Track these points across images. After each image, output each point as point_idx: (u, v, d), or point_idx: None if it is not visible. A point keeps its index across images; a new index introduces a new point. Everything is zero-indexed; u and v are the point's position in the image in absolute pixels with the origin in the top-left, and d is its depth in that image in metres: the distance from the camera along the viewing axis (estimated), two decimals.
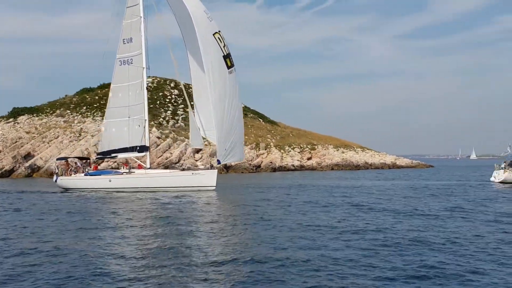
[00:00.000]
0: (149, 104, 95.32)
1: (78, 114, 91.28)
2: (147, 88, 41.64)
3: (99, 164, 49.00)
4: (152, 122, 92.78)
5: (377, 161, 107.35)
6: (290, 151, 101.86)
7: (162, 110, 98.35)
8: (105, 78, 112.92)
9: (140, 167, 42.13)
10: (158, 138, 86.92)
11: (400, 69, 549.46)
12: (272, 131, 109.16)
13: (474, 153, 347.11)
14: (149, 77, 42.13)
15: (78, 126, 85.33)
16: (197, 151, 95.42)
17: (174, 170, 44.59)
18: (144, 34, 41.44)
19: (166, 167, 72.86)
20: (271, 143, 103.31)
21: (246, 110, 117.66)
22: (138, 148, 41.30)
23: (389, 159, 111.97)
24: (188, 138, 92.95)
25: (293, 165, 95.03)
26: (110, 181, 40.22)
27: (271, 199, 33.34)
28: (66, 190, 41.21)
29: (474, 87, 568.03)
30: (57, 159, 47.59)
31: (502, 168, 49.63)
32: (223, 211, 26.97)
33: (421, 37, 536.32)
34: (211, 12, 39.93)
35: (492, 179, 50.38)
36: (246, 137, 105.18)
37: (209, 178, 38.82)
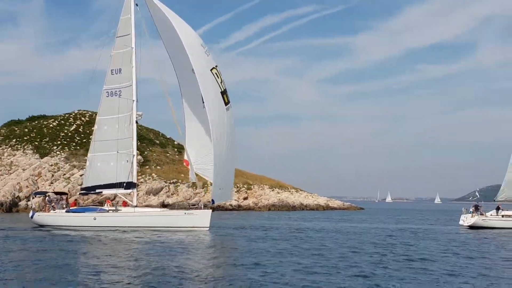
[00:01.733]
0: (81, 138, 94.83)
1: (7, 146, 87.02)
2: (136, 122, 39.78)
3: (76, 201, 46.08)
4: (85, 157, 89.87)
5: (311, 202, 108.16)
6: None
7: None
8: (33, 110, 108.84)
9: (124, 204, 40.05)
10: None
11: (324, 112, 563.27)
12: None
13: (390, 196, 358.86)
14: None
15: (8, 159, 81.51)
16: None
17: (163, 209, 42.57)
18: (135, 65, 39.78)
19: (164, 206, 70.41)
20: (208, 182, 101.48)
21: (180, 148, 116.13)
22: (125, 184, 39.26)
23: (322, 200, 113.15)
24: None
25: (230, 205, 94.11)
26: (95, 219, 37.92)
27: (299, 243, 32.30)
28: (42, 226, 38.57)
29: (389, 132, 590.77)
30: (35, 194, 44.51)
31: (470, 212, 50.82)
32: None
33: (343, 82, 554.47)
34: None
35: (461, 222, 51.43)
36: (182, 175, 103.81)
37: (203, 218, 37.37)
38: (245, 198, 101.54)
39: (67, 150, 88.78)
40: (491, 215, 50.62)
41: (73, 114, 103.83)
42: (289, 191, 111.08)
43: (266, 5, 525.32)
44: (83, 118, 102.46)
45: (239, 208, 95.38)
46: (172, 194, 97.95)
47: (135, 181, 39.50)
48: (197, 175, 40.51)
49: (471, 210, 51.25)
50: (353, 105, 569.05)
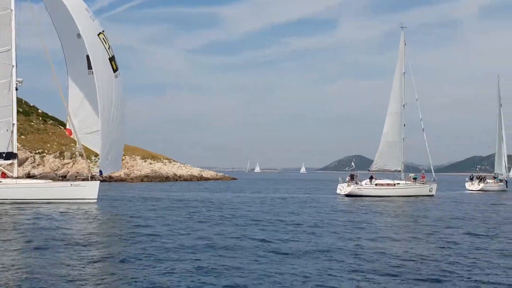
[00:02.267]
0: None
1: None
2: (16, 88, 37.41)
3: None
4: None
5: (185, 173, 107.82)
6: (98, 160, 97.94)
7: None
8: None
9: (3, 176, 37.72)
10: None
11: (193, 83, 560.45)
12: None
13: (258, 167, 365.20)
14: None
15: None
16: None
17: (48, 180, 40.39)
18: (14, 29, 37.26)
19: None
20: (76, 152, 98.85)
21: (45, 116, 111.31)
22: (4, 154, 36.92)
23: (195, 171, 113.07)
24: None
25: (102, 176, 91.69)
26: None
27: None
28: None
29: (257, 104, 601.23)
30: None
31: (346, 182, 52.88)
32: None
33: (211, 53, 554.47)
34: None
35: (338, 191, 53.34)
36: (49, 145, 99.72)
37: (90, 190, 36.11)
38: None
39: None
40: (365, 184, 52.98)
41: None
42: (162, 162, 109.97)
43: None
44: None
45: (110, 179, 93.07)
46: (38, 165, 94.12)
47: (15, 151, 37.27)
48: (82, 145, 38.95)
49: (347, 179, 53.38)
50: (221, 76, 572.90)
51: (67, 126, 39.22)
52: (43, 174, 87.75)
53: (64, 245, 18.32)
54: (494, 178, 76.66)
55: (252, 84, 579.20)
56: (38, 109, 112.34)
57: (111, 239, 20.29)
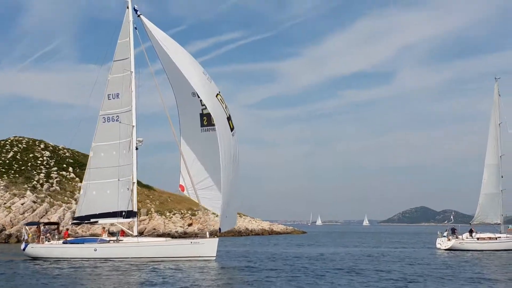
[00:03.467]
0: (20, 165, 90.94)
1: None
2: (136, 148, 38.39)
3: (68, 230, 43.55)
4: (26, 185, 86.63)
5: (256, 227, 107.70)
6: (172, 217, 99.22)
7: (35, 172, 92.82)
8: None
9: (122, 234, 38.41)
10: (34, 202, 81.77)
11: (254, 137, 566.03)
12: (151, 196, 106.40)
13: (320, 219, 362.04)
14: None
15: None
16: None
17: (167, 239, 40.83)
18: (135, 90, 38.52)
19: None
20: (152, 209, 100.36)
21: None
22: (124, 213, 37.67)
23: (265, 225, 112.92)
24: (65, 203, 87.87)
25: (176, 232, 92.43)
26: (95, 250, 36.12)
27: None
28: (35, 259, 36.49)
29: (316, 155, 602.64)
30: (26, 224, 41.86)
31: (444, 236, 52.05)
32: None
33: (271, 107, 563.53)
34: None
35: (438, 246, 52.49)
36: None
37: (210, 248, 36.26)
38: (190, 225, 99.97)
39: (6, 178, 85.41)
40: (467, 237, 51.98)
41: (9, 140, 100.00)
42: None
43: (192, 31, 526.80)
44: (20, 145, 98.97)
45: (185, 235, 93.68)
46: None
47: (135, 209, 37.97)
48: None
49: (445, 233, 52.57)
50: (281, 129, 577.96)
51: (180, 182, 39.60)
52: (153, 231, 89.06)
53: None
54: None
55: (311, 136, 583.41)
56: None
57: None
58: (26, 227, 39.87)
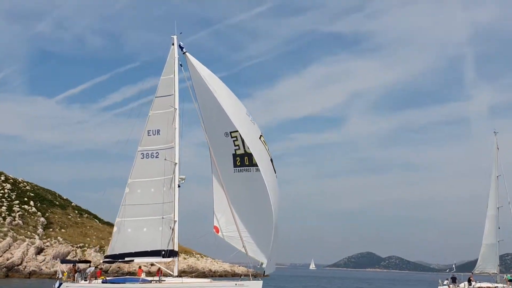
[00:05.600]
0: None
1: None
2: (178, 186, 37.70)
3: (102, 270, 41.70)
4: None
5: (218, 268, 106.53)
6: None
7: None
8: None
9: (158, 273, 37.37)
10: None
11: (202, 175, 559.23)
12: None
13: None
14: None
15: None
16: (39, 251, 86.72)
17: (210, 279, 39.61)
18: (178, 127, 38.03)
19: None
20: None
21: (79, 210, 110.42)
22: (164, 252, 36.70)
23: (226, 266, 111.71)
24: (28, 238, 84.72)
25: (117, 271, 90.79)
26: None
27: None
28: None
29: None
30: (62, 262, 39.95)
31: (445, 285, 53.07)
32: None
33: None
34: None
35: None
36: (88, 239, 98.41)
37: None
38: (152, 264, 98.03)
39: None
40: (464, 287, 53.15)
41: None
42: (195, 257, 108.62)
43: (145, 68, 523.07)
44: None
45: (149, 274, 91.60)
46: (80, 259, 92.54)
47: (176, 248, 37.08)
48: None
49: (445, 282, 53.64)
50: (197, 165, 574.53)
51: (214, 223, 38.96)
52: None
53: None
54: None
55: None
56: (71, 202, 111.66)
57: None
58: (62, 264, 38.18)
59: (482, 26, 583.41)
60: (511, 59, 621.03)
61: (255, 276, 36.67)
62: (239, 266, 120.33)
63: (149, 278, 36.65)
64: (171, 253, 36.95)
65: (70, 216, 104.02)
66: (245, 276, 36.95)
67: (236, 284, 36.18)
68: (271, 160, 37.67)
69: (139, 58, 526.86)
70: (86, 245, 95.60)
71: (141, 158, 38.23)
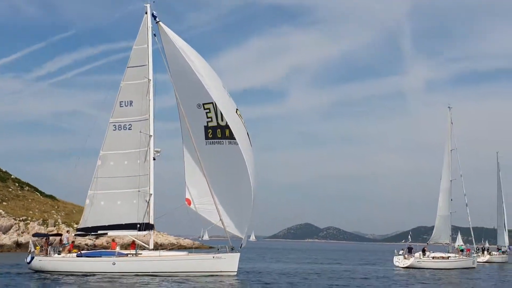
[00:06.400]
0: None
1: None
2: (154, 158, 37.09)
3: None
4: None
5: (164, 241, 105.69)
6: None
7: None
8: None
9: (133, 247, 36.90)
10: None
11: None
12: (56, 207, 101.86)
13: (207, 234, 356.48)
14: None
15: None
16: None
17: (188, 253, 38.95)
18: (152, 98, 37.33)
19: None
20: (59, 220, 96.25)
21: (21, 182, 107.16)
22: (139, 225, 36.17)
23: (172, 239, 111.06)
24: None
25: (86, 244, 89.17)
26: (113, 263, 34.36)
27: None
28: (37, 272, 34.32)
29: None
30: (34, 235, 38.59)
31: (400, 255, 54.38)
32: None
33: (162, 119, 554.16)
34: None
35: (396, 264, 54.54)
36: (31, 212, 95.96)
37: (231, 263, 35.72)
38: (97, 238, 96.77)
39: None
40: (420, 257, 54.66)
41: None
42: None
43: (80, 36, 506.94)
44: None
45: (94, 247, 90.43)
46: (22, 233, 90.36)
47: (152, 222, 36.62)
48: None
49: (401, 252, 54.99)
50: (171, 141, 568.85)
51: (186, 196, 38.59)
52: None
53: None
54: (498, 250, 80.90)
55: None
56: (11, 174, 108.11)
57: None
58: (34, 238, 37.06)
59: (421, 1, 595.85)
60: (449, 35, 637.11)
61: (232, 249, 36.51)
62: (184, 239, 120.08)
63: (125, 252, 36.14)
64: (147, 226, 36.50)
65: (10, 189, 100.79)
66: (222, 248, 36.68)
67: (214, 257, 36.10)
68: (248, 133, 37.52)
69: (74, 27, 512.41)
70: (29, 218, 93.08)
71: (113, 130, 37.32)
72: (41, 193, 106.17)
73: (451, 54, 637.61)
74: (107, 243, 59.30)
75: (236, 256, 35.95)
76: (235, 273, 35.58)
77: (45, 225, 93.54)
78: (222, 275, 34.72)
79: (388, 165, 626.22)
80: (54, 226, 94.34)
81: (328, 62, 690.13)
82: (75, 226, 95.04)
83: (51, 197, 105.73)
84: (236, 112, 37.22)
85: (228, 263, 35.60)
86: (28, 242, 37.30)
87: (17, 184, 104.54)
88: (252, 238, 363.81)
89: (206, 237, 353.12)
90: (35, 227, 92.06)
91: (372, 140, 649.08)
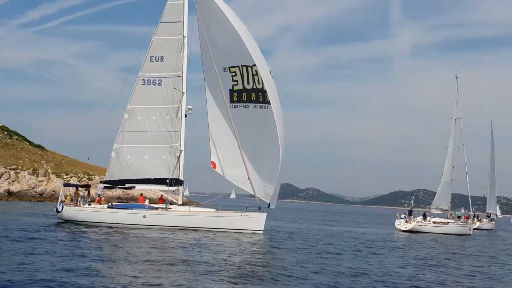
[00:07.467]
0: None
1: None
2: (185, 115, 37.24)
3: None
4: None
5: (153, 195, 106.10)
6: (70, 179, 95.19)
7: None
8: None
9: (161, 201, 37.32)
10: None
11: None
12: (46, 157, 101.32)
13: (188, 190, 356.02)
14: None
15: None
16: None
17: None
18: (186, 55, 37.24)
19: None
20: (49, 170, 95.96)
21: (9, 131, 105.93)
22: (169, 181, 36.50)
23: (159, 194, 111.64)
24: None
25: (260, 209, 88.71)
26: (144, 216, 34.81)
27: None
28: (66, 221, 34.63)
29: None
30: (65, 185, 38.58)
31: (402, 218, 55.65)
32: None
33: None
34: None
35: (397, 227, 55.82)
36: (21, 161, 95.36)
37: (258, 222, 36.38)
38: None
39: None
40: (422, 221, 56.06)
41: None
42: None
43: None
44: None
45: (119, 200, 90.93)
46: (13, 181, 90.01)
47: (182, 178, 36.97)
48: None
49: (403, 215, 56.25)
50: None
51: (212, 159, 38.73)
52: (23, 191, 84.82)
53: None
54: (488, 217, 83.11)
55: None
56: None
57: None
58: (65, 188, 37.16)
59: None
60: (437, 1, 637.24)
61: (259, 208, 37.05)
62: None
63: (156, 206, 36.54)
64: (177, 182, 36.84)
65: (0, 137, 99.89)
66: (249, 208, 37.22)
67: (241, 215, 36.63)
68: (278, 95, 37.79)
69: None
70: (20, 167, 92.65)
71: (142, 84, 37.32)
72: (30, 143, 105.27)
73: (438, 20, 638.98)
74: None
75: (263, 215, 36.54)
76: (261, 231, 36.22)
77: (35, 175, 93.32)
78: (249, 233, 35.36)
79: (371, 129, 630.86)
80: (45, 176, 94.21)
81: (315, 23, 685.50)
82: (65, 176, 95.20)
83: (40, 146, 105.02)
84: (270, 73, 37.37)
85: (255, 221, 36.19)
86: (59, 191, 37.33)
87: (5, 133, 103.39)
88: (233, 196, 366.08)
89: (186, 192, 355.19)
90: (26, 176, 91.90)
91: (356, 104, 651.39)
